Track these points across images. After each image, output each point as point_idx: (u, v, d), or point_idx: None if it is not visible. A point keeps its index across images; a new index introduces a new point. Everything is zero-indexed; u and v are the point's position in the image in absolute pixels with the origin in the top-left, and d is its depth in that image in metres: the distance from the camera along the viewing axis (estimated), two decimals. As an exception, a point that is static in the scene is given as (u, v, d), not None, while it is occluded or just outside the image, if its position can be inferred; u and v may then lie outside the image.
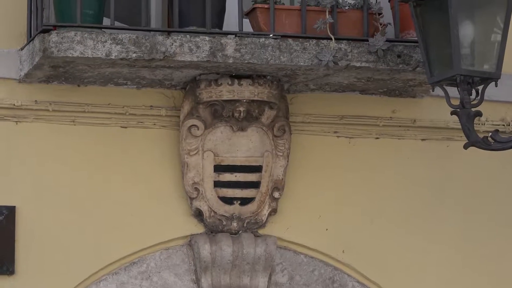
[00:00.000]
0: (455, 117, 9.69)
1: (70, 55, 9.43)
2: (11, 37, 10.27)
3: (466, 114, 9.51)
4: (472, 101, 9.52)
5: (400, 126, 10.97)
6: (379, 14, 10.34)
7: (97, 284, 10.34)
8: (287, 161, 10.58)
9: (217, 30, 10.08)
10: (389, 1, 10.50)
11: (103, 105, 10.36)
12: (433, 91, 9.96)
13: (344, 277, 10.77)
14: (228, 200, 10.39)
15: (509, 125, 10.58)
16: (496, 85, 9.63)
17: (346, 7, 10.30)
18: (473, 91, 9.54)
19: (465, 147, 9.64)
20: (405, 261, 11.06)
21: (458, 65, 9.34)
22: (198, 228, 10.46)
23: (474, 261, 11.38)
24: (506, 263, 11.46)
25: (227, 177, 10.44)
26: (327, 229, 10.71)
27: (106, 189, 10.49)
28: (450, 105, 9.58)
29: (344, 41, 10.01)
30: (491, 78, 9.52)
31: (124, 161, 10.50)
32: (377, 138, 10.97)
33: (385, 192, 11.06)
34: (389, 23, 10.35)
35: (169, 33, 9.95)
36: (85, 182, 10.50)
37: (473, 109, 9.54)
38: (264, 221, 10.51)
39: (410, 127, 10.95)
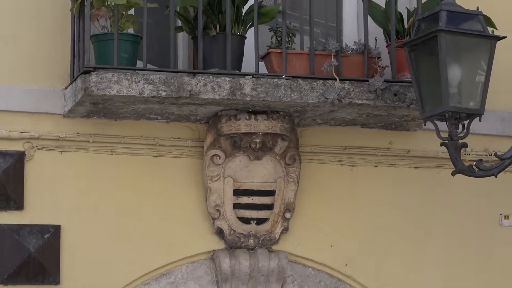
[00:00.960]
0: (444, 148, 9.79)
1: (108, 94, 9.48)
2: (56, 77, 10.24)
3: (454, 146, 9.63)
4: (459, 134, 9.60)
5: (396, 156, 10.98)
6: (378, 57, 10.40)
7: None
8: (297, 186, 10.56)
9: (236, 71, 10.00)
10: (386, 46, 10.51)
11: (136, 137, 10.40)
12: (425, 125, 10.17)
13: (347, 287, 10.82)
14: (245, 220, 10.40)
15: (491, 155, 10.46)
16: (480, 120, 9.67)
17: (349, 52, 10.38)
18: (460, 125, 9.62)
19: (453, 174, 9.75)
20: (400, 274, 11.05)
21: (446, 102, 9.45)
22: (219, 245, 10.45)
23: (461, 275, 11.33)
24: (489, 279, 11.40)
25: (245, 200, 10.42)
26: (332, 246, 10.71)
27: (138, 211, 10.49)
28: (440, 137, 9.64)
29: (347, 81, 10.04)
30: (475, 114, 9.57)
31: (154, 186, 10.48)
32: (376, 166, 10.97)
33: (382, 214, 11.05)
34: (387, 66, 10.42)
35: (194, 74, 9.83)
36: (121, 204, 10.49)
37: (460, 141, 9.63)
38: (277, 238, 10.51)
39: (405, 156, 10.96)
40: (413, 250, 11.22)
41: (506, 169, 9.89)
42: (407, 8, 10.64)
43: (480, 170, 9.72)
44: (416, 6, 10.36)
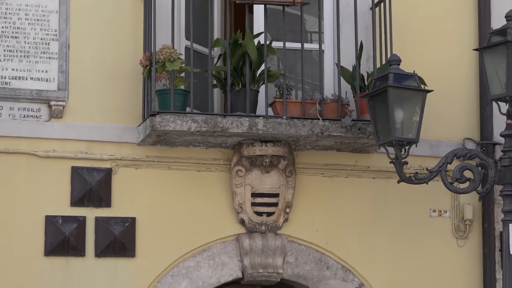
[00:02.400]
0: (392, 165, 10.00)
1: (167, 129, 9.83)
2: (132, 118, 10.46)
3: (399, 163, 9.83)
4: (402, 155, 9.82)
5: (359, 170, 11.06)
6: (348, 104, 10.60)
7: (183, 262, 10.48)
8: (294, 190, 10.71)
9: (252, 114, 10.24)
10: (353, 97, 10.63)
11: (186, 158, 10.58)
12: (379, 149, 10.25)
13: (327, 258, 10.84)
14: (259, 213, 10.60)
15: (424, 169, 10.37)
16: (416, 146, 9.89)
17: (328, 101, 10.52)
18: (403, 150, 9.83)
19: (398, 182, 9.99)
20: (360, 248, 10.96)
21: (393, 134, 9.66)
22: (242, 230, 10.66)
23: (401, 254, 11.23)
24: (422, 257, 11.32)
25: (259, 200, 10.59)
26: (317, 231, 10.83)
27: (188, 207, 10.61)
28: (389, 158, 9.90)
29: (327, 120, 10.26)
30: (413, 141, 9.78)
31: (198, 191, 10.62)
32: (346, 177, 10.99)
33: (351, 208, 11.03)
34: (353, 110, 10.59)
35: (224, 116, 10.11)
36: (176, 202, 10.64)
37: (402, 160, 9.85)
38: (280, 226, 10.68)
39: (366, 170, 11.04)
40: (369, 232, 11.10)
41: (434, 178, 9.99)
42: (367, 71, 10.79)
43: (416, 179, 9.93)
44: (372, 70, 10.62)
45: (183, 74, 10.17)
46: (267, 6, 10.56)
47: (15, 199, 10.12)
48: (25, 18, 10.23)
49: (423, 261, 11.07)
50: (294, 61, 11.13)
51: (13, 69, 10.15)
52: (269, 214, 10.62)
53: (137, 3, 10.59)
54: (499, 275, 10.53)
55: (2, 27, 10.19)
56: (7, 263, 10.05)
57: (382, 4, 10.77)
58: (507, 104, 9.48)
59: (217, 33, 11.13)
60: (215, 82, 10.61)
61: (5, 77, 10.14)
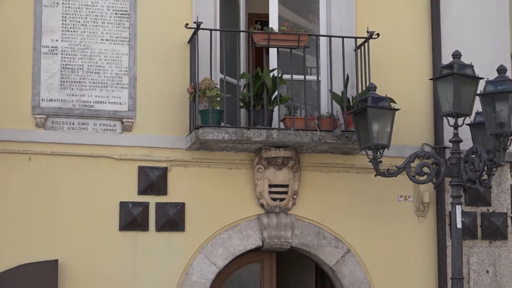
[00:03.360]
0: (371, 163, 10.24)
1: (207, 138, 10.12)
2: (181, 130, 10.61)
3: (375, 162, 10.05)
4: (378, 156, 10.05)
5: (347, 167, 11.12)
6: (338, 119, 10.73)
7: (219, 235, 10.65)
8: (299, 182, 10.87)
9: (269, 127, 10.44)
10: (342, 114, 10.78)
11: (220, 159, 10.74)
12: (361, 152, 10.48)
13: (323, 231, 10.93)
14: (274, 199, 10.75)
15: (394, 166, 10.15)
16: (388, 149, 10.12)
17: (324, 117, 10.66)
18: (378, 152, 10.03)
19: (375, 175, 10.20)
20: (348, 224, 11.07)
21: (372, 141, 9.92)
22: (261, 211, 10.81)
23: (373, 232, 11.29)
24: (391, 237, 11.34)
25: (274, 189, 10.75)
26: (316, 211, 10.96)
27: (223, 195, 10.76)
28: (368, 158, 10.17)
29: (323, 131, 10.45)
30: (385, 146, 9.97)
31: (230, 183, 10.80)
32: (337, 172, 11.05)
33: (341, 195, 11.11)
34: (342, 123, 10.77)
35: (248, 128, 10.35)
36: (213, 191, 10.77)
37: (378, 160, 10.05)
38: (289, 208, 10.81)
39: (351, 167, 11.10)
40: (354, 212, 11.11)
41: (401, 173, 10.11)
42: (352, 96, 10.82)
43: (388, 174, 10.08)
44: (356, 95, 10.66)
45: (218, 99, 10.34)
46: (279, 49, 10.78)
47: (98, 190, 10.41)
48: (104, 59, 10.50)
49: (394, 233, 11.11)
50: (298, 88, 11.07)
51: (96, 96, 10.45)
52: (281, 199, 10.79)
53: (185, 46, 10.72)
54: (448, 243, 10.61)
55: (88, 66, 10.43)
56: (92, 236, 10.30)
57: (362, 46, 10.85)
58: (454, 118, 9.64)
59: (243, 68, 11.16)
60: (241, 104, 10.77)
61: (90, 102, 10.41)
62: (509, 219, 11.22)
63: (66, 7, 10.51)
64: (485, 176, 9.80)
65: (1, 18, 10.36)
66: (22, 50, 10.39)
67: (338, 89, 10.91)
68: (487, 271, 11.03)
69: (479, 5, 11.60)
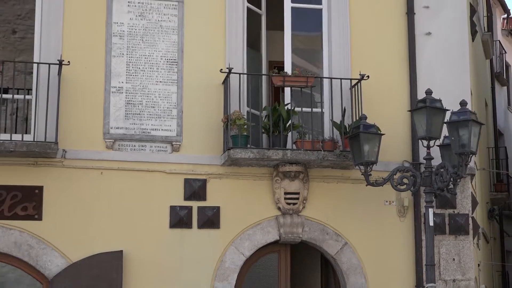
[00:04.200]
0: (363, 176, 10.14)
1: (237, 157, 10.21)
2: (217, 151, 10.63)
3: (367, 175, 10.00)
4: (368, 170, 10.01)
5: (345, 179, 11.00)
6: (337, 142, 10.73)
7: (246, 231, 10.65)
8: (308, 190, 10.79)
9: (284, 148, 10.44)
10: (340, 138, 10.71)
11: (247, 173, 10.72)
12: (355, 167, 10.34)
13: (327, 228, 10.86)
14: (288, 204, 10.69)
15: (380, 178, 10.08)
16: (376, 165, 10.09)
17: (326, 140, 10.68)
18: (368, 167, 10.00)
19: (366, 185, 10.11)
20: (346, 222, 11.00)
21: (363, 158, 9.96)
22: (279, 213, 10.72)
23: (372, 225, 11.16)
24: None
25: (288, 196, 10.67)
26: (321, 212, 10.87)
27: (249, 200, 10.74)
28: (361, 172, 10.12)
29: (326, 151, 10.47)
30: (374, 162, 9.99)
31: (254, 191, 10.78)
32: (337, 183, 10.98)
33: (340, 200, 10.98)
34: (341, 145, 10.69)
35: (269, 149, 10.35)
36: (243, 197, 10.76)
37: (369, 173, 9.99)
38: (300, 210, 10.75)
39: (348, 179, 10.98)
40: (350, 213, 11.01)
41: (387, 183, 10.06)
42: (348, 124, 10.68)
43: (376, 184, 10.04)
44: (351, 123, 10.64)
45: (245, 126, 10.36)
46: (292, 88, 10.82)
47: (153, 196, 10.46)
48: (158, 96, 10.64)
49: (381, 229, 11.05)
50: (307, 118, 10.93)
51: (151, 125, 10.58)
52: (294, 204, 10.75)
53: (220, 86, 10.75)
54: (423, 237, 10.45)
55: (146, 102, 10.57)
56: (149, 232, 10.36)
57: (356, 86, 10.85)
58: (427, 141, 9.64)
59: (264, 103, 11.12)
60: (263, 130, 10.74)
61: (147, 129, 10.55)
62: (470, 219, 11.27)
63: (129, 57, 10.66)
64: (451, 186, 9.78)
65: (81, 65, 10.44)
66: (96, 89, 10.51)
67: (337, 118, 10.91)
68: (454, 259, 11.08)
69: (446, 53, 11.58)
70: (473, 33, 15.02)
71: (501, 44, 24.61)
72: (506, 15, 26.70)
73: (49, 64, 9.98)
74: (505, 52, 25.44)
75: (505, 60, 25.50)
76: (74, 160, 10.28)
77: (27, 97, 10.37)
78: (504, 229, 21.51)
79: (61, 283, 9.88)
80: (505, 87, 25.17)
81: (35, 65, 10.18)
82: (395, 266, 11.06)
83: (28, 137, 10.00)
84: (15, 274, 10.13)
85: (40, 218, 10.07)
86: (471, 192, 11.57)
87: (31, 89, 10.22)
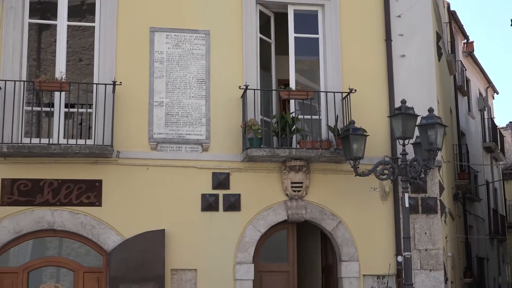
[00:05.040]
0: (352, 168, 10.13)
1: (253, 155, 10.21)
2: (237, 150, 10.51)
3: (355, 167, 10.01)
4: (357, 164, 10.02)
5: (338, 171, 10.82)
6: (331, 142, 10.62)
7: (261, 213, 10.57)
8: (309, 180, 10.66)
9: (290, 147, 10.43)
10: (335, 138, 10.61)
11: (262, 167, 10.61)
12: (346, 161, 10.33)
13: (324, 209, 10.77)
14: (294, 191, 10.58)
15: (366, 170, 9.93)
16: (362, 159, 10.11)
17: (323, 140, 10.64)
18: (357, 161, 10.00)
19: (355, 176, 10.13)
20: (340, 204, 10.84)
21: (352, 154, 9.90)
22: (286, 198, 10.61)
23: (361, 206, 11.03)
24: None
25: (294, 185, 10.55)
26: (320, 197, 10.73)
27: (263, 189, 10.63)
28: (351, 165, 10.13)
29: (323, 149, 10.46)
30: (361, 157, 10.01)
31: (267, 181, 10.67)
32: (332, 174, 10.80)
33: (335, 188, 10.86)
34: (334, 144, 10.59)
35: (278, 148, 10.36)
36: (259, 187, 10.62)
37: (357, 166, 10.00)
38: (303, 196, 10.64)
39: (341, 171, 10.79)
40: (344, 197, 10.85)
41: (372, 174, 9.88)
42: (340, 127, 10.51)
43: (363, 174, 9.95)
44: (342, 127, 10.50)
45: (259, 131, 10.33)
46: (296, 100, 10.89)
47: (188, 186, 10.42)
48: (191, 108, 10.63)
49: (367, 210, 10.94)
50: (307, 123, 10.95)
51: (186, 130, 10.55)
52: (298, 191, 10.67)
53: (239, 99, 10.61)
54: (401, 216, 10.20)
55: (181, 113, 10.57)
56: (185, 214, 10.34)
57: (346, 97, 10.76)
58: (402, 140, 9.59)
59: (274, 111, 11.07)
60: (273, 133, 10.69)
61: (183, 134, 10.53)
62: (438, 201, 11.21)
63: (167, 78, 10.68)
64: (422, 175, 9.72)
65: (130, 85, 10.44)
66: (142, 104, 10.56)
67: (331, 123, 10.88)
68: (425, 233, 11.02)
69: (417, 71, 11.49)
70: (439, 54, 15.12)
71: (462, 63, 24.80)
72: (465, 40, 26.92)
73: (105, 84, 10.13)
74: (465, 69, 25.67)
75: (466, 76, 25.73)
76: (126, 159, 10.29)
77: (89, 110, 10.47)
78: (466, 209, 21.73)
79: (117, 255, 9.98)
80: (466, 97, 25.43)
81: (95, 86, 10.24)
82: (379, 239, 10.96)
83: (90, 142, 10.10)
84: (84, 248, 10.24)
85: (100, 205, 10.13)
86: (439, 180, 11.44)
87: (92, 104, 10.31)
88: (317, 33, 11.28)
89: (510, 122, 36.95)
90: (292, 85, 11.06)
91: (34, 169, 9.93)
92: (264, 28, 11.20)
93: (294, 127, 10.62)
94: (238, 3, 10.90)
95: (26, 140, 9.89)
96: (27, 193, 9.87)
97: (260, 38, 11.12)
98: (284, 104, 11.53)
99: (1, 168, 9.89)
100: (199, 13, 10.80)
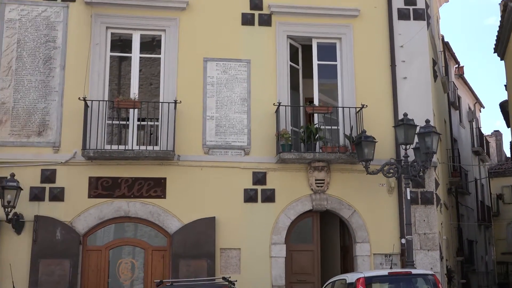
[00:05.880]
0: (364, 168, 9.88)
1: (285, 157, 10.19)
2: (272, 154, 10.44)
3: (367, 167, 9.80)
4: (368, 164, 9.81)
5: (353, 170, 10.57)
6: (347, 147, 10.47)
7: (291, 204, 10.46)
8: (330, 178, 10.50)
9: (314, 151, 10.33)
10: (350, 144, 10.42)
11: (292, 168, 10.35)
12: (359, 162, 10.10)
13: (342, 201, 10.61)
14: (318, 186, 10.45)
15: (376, 169, 9.76)
16: (372, 160, 9.86)
17: (341, 146, 10.45)
18: (368, 162, 9.77)
19: (367, 174, 9.89)
20: (355, 197, 10.63)
21: (364, 157, 9.75)
22: (311, 192, 10.49)
23: (371, 197, 10.82)
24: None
25: (317, 182, 10.40)
26: (339, 190, 10.56)
27: (293, 185, 10.48)
28: (363, 165, 9.90)
29: (341, 153, 10.33)
30: (371, 159, 9.81)
31: (296, 179, 10.42)
32: (348, 173, 10.63)
33: (350, 183, 10.65)
34: (350, 149, 10.43)
35: (305, 152, 10.26)
36: (289, 183, 10.42)
37: (368, 166, 9.80)
38: (325, 190, 10.51)
39: (355, 170, 10.54)
40: (358, 191, 10.57)
41: (380, 172, 9.78)
42: (354, 136, 10.29)
43: (373, 173, 9.79)
44: (357, 135, 10.26)
45: (290, 138, 10.24)
46: (319, 114, 10.80)
47: (233, 183, 10.36)
48: (235, 121, 10.58)
49: (377, 202, 10.74)
50: (328, 132, 10.91)
51: (231, 138, 10.52)
52: (321, 186, 10.56)
53: (273, 114, 10.54)
54: (404, 206, 9.93)
55: (228, 124, 10.56)
56: (231, 205, 10.27)
57: (359, 112, 10.64)
58: (405, 145, 9.34)
59: (301, 123, 11.02)
60: (301, 140, 10.60)
61: (229, 141, 10.49)
62: (434, 194, 11.03)
63: (217, 97, 10.71)
64: (421, 173, 9.68)
65: (188, 103, 10.44)
66: (197, 118, 10.44)
67: (347, 132, 10.78)
68: (424, 220, 10.83)
69: (416, 90, 11.24)
70: (435, 77, 14.87)
71: (454, 84, 24.74)
72: (457, 65, 26.96)
73: (169, 102, 10.24)
74: (457, 88, 25.62)
75: (457, 94, 25.63)
76: (184, 161, 10.30)
77: (156, 123, 10.55)
78: (458, 201, 21.56)
79: (178, 237, 10.03)
80: (457, 111, 25.32)
81: (160, 104, 10.34)
82: (386, 225, 10.80)
83: (157, 148, 10.19)
84: (153, 231, 10.27)
85: (164, 197, 10.17)
86: (435, 177, 11.30)
87: (158, 118, 10.38)
88: (336, 61, 11.21)
89: (494, 131, 36.64)
90: (316, 102, 11.02)
91: (113, 169, 10.05)
92: (293, 57, 11.19)
93: (317, 135, 10.57)
94: (272, 37, 10.88)
95: (107, 147, 10.02)
96: (108, 188, 10.01)
97: (290, 65, 11.07)
98: (309, 117, 11.47)
99: (88, 168, 10.06)
100: (242, 46, 10.80)
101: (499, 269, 29.45)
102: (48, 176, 9.89)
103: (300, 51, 11.41)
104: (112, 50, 10.56)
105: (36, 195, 9.81)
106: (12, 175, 9.28)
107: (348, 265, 11.04)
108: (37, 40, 10.04)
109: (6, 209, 9.07)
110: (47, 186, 9.83)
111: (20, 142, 9.77)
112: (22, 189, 9.40)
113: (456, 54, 25.85)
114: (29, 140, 9.83)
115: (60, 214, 9.77)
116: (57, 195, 9.88)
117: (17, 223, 9.38)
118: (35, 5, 10.08)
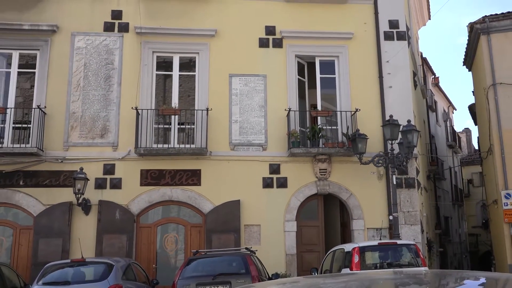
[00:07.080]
0: (358, 159, 9.86)
1: (295, 152, 10.01)
2: (284, 149, 10.25)
3: (360, 159, 9.75)
4: (361, 156, 9.74)
5: (350, 162, 10.30)
6: (345, 143, 10.34)
7: (300, 188, 10.22)
8: (331, 168, 10.33)
9: (318, 147, 10.08)
10: (347, 141, 10.27)
11: (301, 160, 10.26)
12: (355, 155, 9.98)
13: (341, 186, 10.35)
14: (321, 174, 10.23)
15: (368, 160, 9.54)
16: (364, 153, 9.78)
17: (339, 142, 10.39)
18: (361, 155, 9.69)
19: (360, 164, 9.83)
20: (352, 182, 10.31)
21: (358, 150, 9.73)
22: (316, 179, 10.25)
23: (366, 183, 10.51)
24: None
25: (321, 171, 10.18)
26: (339, 177, 10.31)
27: (301, 175, 10.25)
28: (357, 157, 9.87)
29: (340, 148, 10.14)
30: (363, 152, 9.71)
31: (303, 169, 10.28)
32: (346, 163, 10.33)
33: (348, 172, 10.26)
34: (347, 144, 10.26)
35: (310, 147, 10.08)
36: (298, 173, 10.21)
37: (362, 158, 9.74)
38: (327, 178, 10.25)
39: (352, 161, 10.28)
40: (354, 178, 10.27)
41: (371, 163, 9.52)
42: (350, 134, 10.09)
43: (366, 163, 9.61)
44: (352, 133, 10.04)
45: (298, 137, 10.18)
46: (321, 116, 10.77)
47: (254, 172, 10.25)
48: (254, 123, 10.45)
49: (369, 187, 10.29)
50: (329, 132, 10.76)
51: (252, 138, 10.37)
52: (324, 174, 10.38)
53: (285, 118, 10.37)
54: (391, 190, 9.67)
55: (249, 127, 10.39)
56: (253, 190, 10.16)
57: (354, 114, 10.50)
58: (391, 141, 9.29)
59: (308, 124, 10.84)
60: (307, 138, 10.44)
61: (250, 140, 10.34)
62: (415, 180, 10.77)
63: (240, 105, 10.62)
64: (404, 163, 9.63)
65: (218, 110, 10.37)
66: (224, 121, 10.34)
67: (345, 131, 10.68)
68: (407, 201, 10.58)
69: (400, 96, 10.99)
70: (415, 85, 14.64)
71: (431, 91, 24.59)
72: (433, 75, 26.81)
73: (202, 110, 10.26)
74: (434, 95, 25.50)
75: (434, 99, 25.37)
76: (215, 156, 10.26)
77: (192, 126, 10.52)
78: (436, 185, 21.28)
79: (211, 216, 10.01)
80: (434, 113, 25.15)
81: (196, 111, 10.33)
82: (377, 205, 10.59)
83: (193, 146, 10.15)
84: (192, 212, 10.22)
85: (200, 185, 10.15)
86: (416, 166, 11.11)
87: (194, 122, 10.36)
88: (335, 74, 11.08)
89: (465, 128, 36.43)
90: (319, 107, 10.98)
91: (159, 163, 10.07)
92: (300, 72, 11.13)
93: (320, 134, 10.51)
94: (283, 57, 10.84)
95: (154, 146, 10.03)
96: (156, 178, 10.03)
97: (298, 78, 11.00)
98: (314, 120, 11.27)
99: (140, 163, 10.10)
100: (259, 64, 10.76)
101: (470, 239, 29.38)
102: (109, 169, 9.99)
103: (306, 67, 11.35)
104: (157, 69, 10.64)
105: (100, 184, 9.92)
106: (81, 168, 9.47)
107: (346, 237, 10.98)
108: (99, 63, 10.23)
109: (77, 195, 9.31)
110: (108, 177, 9.95)
111: (87, 143, 9.93)
112: (89, 180, 9.59)
113: (432, 67, 26.17)
114: (93, 141, 9.97)
115: (118, 199, 9.87)
116: (116, 184, 9.97)
117: (85, 206, 9.57)
118: (97, 35, 10.31)
